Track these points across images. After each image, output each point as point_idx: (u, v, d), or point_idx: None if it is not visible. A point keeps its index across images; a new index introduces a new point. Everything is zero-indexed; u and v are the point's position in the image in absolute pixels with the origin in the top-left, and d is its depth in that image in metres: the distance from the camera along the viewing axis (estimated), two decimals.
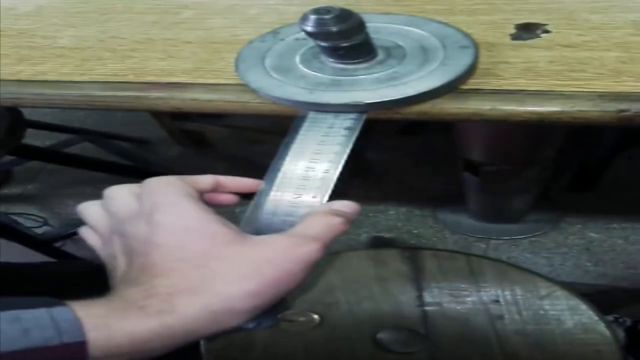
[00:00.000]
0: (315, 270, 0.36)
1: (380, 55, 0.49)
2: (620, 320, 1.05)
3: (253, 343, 0.61)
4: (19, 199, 1.73)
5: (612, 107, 0.42)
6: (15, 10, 0.70)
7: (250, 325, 0.35)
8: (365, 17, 0.45)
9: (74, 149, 1.71)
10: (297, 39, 0.53)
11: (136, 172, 1.58)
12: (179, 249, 0.35)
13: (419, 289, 0.64)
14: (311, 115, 0.46)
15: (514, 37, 0.51)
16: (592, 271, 1.32)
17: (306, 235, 0.36)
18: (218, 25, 0.61)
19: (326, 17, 0.43)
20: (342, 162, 0.42)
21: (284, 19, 0.58)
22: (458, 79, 0.45)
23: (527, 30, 0.51)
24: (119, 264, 0.38)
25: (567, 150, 1.27)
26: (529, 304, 0.61)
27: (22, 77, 0.56)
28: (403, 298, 0.64)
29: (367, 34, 0.47)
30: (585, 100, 0.43)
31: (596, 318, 0.60)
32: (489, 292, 0.63)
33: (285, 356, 0.60)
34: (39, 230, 1.55)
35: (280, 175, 0.42)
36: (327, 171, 0.41)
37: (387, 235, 1.46)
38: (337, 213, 0.38)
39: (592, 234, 1.39)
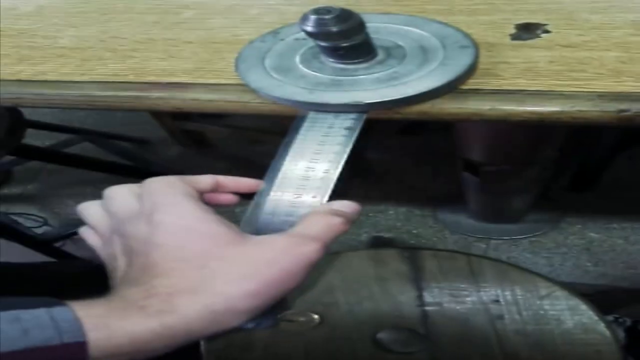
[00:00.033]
0: (315, 270, 0.36)
1: (380, 55, 0.49)
2: (620, 320, 1.05)
3: (253, 343, 0.61)
4: (19, 199, 1.73)
5: (612, 107, 0.42)
6: (15, 10, 0.70)
7: (250, 326, 0.35)
8: (365, 17, 0.45)
9: (74, 149, 1.71)
10: (297, 39, 0.53)
11: (136, 172, 1.58)
12: (179, 249, 0.35)
13: (419, 289, 0.64)
14: (311, 115, 0.46)
15: (514, 37, 0.51)
16: (592, 271, 1.32)
17: (306, 235, 0.36)
18: (219, 25, 0.61)
19: (326, 17, 0.43)
20: (342, 162, 0.42)
21: (284, 19, 0.58)
22: (458, 79, 0.45)
23: (527, 31, 0.52)
24: (119, 264, 0.38)
25: (567, 150, 1.27)
26: (529, 304, 0.61)
27: (23, 77, 0.56)
28: (403, 298, 0.64)
29: (367, 34, 0.47)
30: (585, 100, 0.43)
31: (596, 318, 0.60)
32: (489, 292, 0.63)
33: (285, 356, 0.60)
34: (39, 230, 1.55)
35: (280, 175, 0.42)
36: (327, 171, 0.41)
37: (387, 235, 1.46)
38: (337, 213, 0.38)
39: (592, 234, 1.39)
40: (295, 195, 0.41)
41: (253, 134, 1.69)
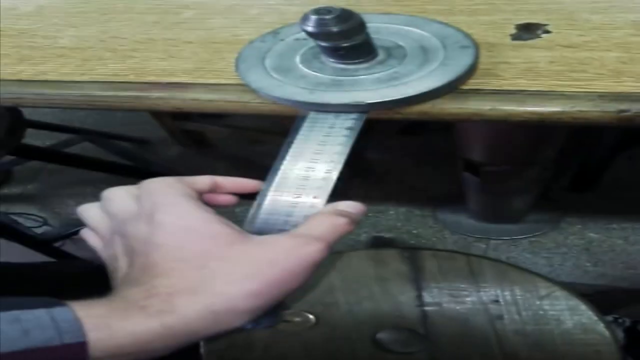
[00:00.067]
0: (316, 270, 0.36)
1: (381, 55, 0.49)
2: (620, 320, 1.05)
3: (253, 343, 0.61)
4: (19, 198, 1.73)
5: (613, 107, 0.42)
6: (16, 10, 0.70)
7: (250, 326, 0.35)
8: (366, 18, 0.45)
9: (74, 149, 1.71)
10: (297, 39, 0.53)
11: (136, 172, 1.58)
12: (180, 249, 0.35)
13: (419, 289, 0.64)
14: (312, 115, 0.46)
15: (515, 37, 0.51)
16: (591, 271, 1.32)
17: (310, 236, 0.36)
18: (219, 25, 0.61)
19: (327, 17, 0.43)
20: (343, 162, 0.42)
21: (284, 19, 0.58)
22: (458, 79, 0.45)
23: (527, 31, 0.52)
24: (120, 265, 0.38)
25: (567, 150, 1.27)
26: (529, 304, 0.61)
27: (23, 77, 0.56)
28: (403, 298, 0.64)
29: (367, 34, 0.47)
30: (585, 101, 0.43)
31: (595, 318, 0.60)
32: (488, 292, 0.63)
33: (285, 356, 0.60)
34: (39, 230, 1.55)
35: (281, 175, 0.42)
36: (328, 171, 0.41)
37: (387, 235, 1.46)
38: (342, 213, 0.38)
39: (592, 234, 1.39)
40: (296, 196, 0.41)
41: (253, 134, 1.69)
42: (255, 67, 0.50)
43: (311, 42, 0.50)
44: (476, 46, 0.48)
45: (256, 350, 0.60)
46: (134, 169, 1.62)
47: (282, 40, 0.54)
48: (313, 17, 0.44)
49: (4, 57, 0.60)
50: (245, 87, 0.50)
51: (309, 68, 0.49)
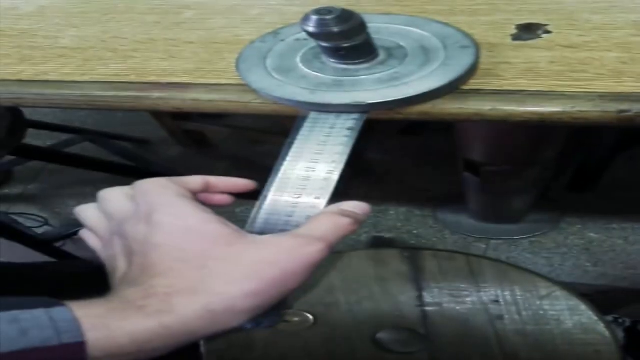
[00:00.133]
0: (316, 270, 0.36)
1: (382, 55, 0.49)
2: (620, 320, 1.05)
3: (253, 343, 0.61)
4: (20, 199, 1.73)
5: (613, 107, 0.42)
6: (17, 10, 0.70)
7: (250, 326, 0.36)
8: (367, 18, 0.45)
9: (74, 149, 1.71)
10: (297, 40, 0.53)
11: (137, 172, 1.58)
12: (178, 249, 0.35)
13: (419, 289, 0.64)
14: (312, 115, 0.46)
15: (515, 37, 0.51)
16: (591, 271, 1.32)
17: (311, 236, 0.36)
18: (219, 25, 0.61)
19: (327, 17, 0.43)
20: (344, 162, 0.42)
21: (285, 19, 0.58)
22: (459, 80, 0.45)
23: (528, 31, 0.52)
24: (119, 265, 0.38)
25: (567, 150, 1.27)
26: (529, 304, 0.61)
27: (24, 77, 0.56)
28: (403, 298, 0.64)
29: (368, 35, 0.47)
30: (585, 101, 0.43)
31: (595, 318, 0.60)
32: (488, 292, 0.63)
33: (285, 356, 0.60)
34: (40, 230, 1.55)
35: (282, 175, 0.42)
36: (330, 172, 0.41)
37: (387, 235, 1.46)
38: (345, 213, 0.38)
39: (592, 234, 1.39)
40: (296, 196, 0.41)
41: (253, 134, 1.69)
42: (256, 67, 0.50)
43: (312, 43, 0.50)
44: (477, 46, 0.48)
45: (256, 350, 0.60)
46: (135, 169, 1.62)
47: (282, 40, 0.54)
48: (314, 18, 0.44)
49: (4, 57, 0.60)
50: (246, 88, 0.50)
51: (309, 68, 0.49)
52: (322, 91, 0.46)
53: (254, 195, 0.43)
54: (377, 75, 0.47)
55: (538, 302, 0.61)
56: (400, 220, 1.50)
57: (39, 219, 1.61)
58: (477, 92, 0.45)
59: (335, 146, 0.43)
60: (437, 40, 0.50)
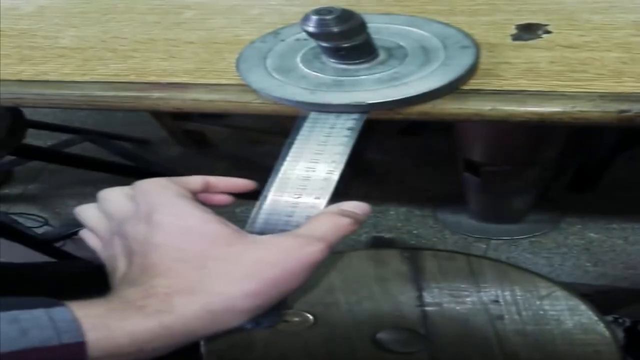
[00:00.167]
0: (316, 270, 0.36)
1: (382, 55, 0.49)
2: (620, 320, 1.05)
3: (253, 343, 0.61)
4: (20, 199, 1.73)
5: (613, 107, 0.42)
6: (16, 10, 0.70)
7: (250, 326, 0.36)
8: (367, 18, 0.45)
9: (74, 149, 1.71)
10: (298, 40, 0.53)
11: (137, 172, 1.58)
12: (178, 250, 0.35)
13: (419, 289, 0.64)
14: (312, 115, 0.46)
15: (515, 37, 0.51)
16: (591, 271, 1.32)
17: (311, 236, 0.36)
18: (219, 25, 0.61)
19: (327, 17, 0.43)
20: (345, 162, 0.42)
21: (285, 19, 0.58)
22: (459, 79, 0.45)
23: (528, 31, 0.52)
24: (119, 265, 0.38)
25: (567, 150, 1.27)
26: (529, 304, 0.61)
27: (24, 77, 0.56)
28: (403, 298, 0.64)
29: (368, 35, 0.47)
30: (586, 101, 0.43)
31: (595, 318, 0.60)
32: (488, 292, 0.63)
33: (285, 356, 0.60)
34: (40, 230, 1.55)
35: (282, 175, 0.42)
36: (330, 172, 0.41)
37: (387, 235, 1.46)
38: (345, 213, 0.38)
39: (592, 234, 1.39)
40: (296, 196, 0.41)
41: (254, 134, 1.69)
42: (256, 67, 0.50)
43: (312, 43, 0.50)
44: (477, 46, 0.48)
45: (256, 350, 0.60)
46: (135, 169, 1.62)
47: (282, 40, 0.54)
48: (314, 18, 0.44)
49: (4, 57, 0.60)
50: (246, 88, 0.50)
51: (309, 68, 0.49)
52: (322, 91, 0.46)
53: (254, 195, 0.42)
54: (377, 75, 0.47)
55: (538, 302, 0.61)
56: (400, 220, 1.50)
57: (39, 219, 1.61)
58: (477, 92, 0.45)
59: (335, 146, 0.43)
60: (437, 40, 0.50)
